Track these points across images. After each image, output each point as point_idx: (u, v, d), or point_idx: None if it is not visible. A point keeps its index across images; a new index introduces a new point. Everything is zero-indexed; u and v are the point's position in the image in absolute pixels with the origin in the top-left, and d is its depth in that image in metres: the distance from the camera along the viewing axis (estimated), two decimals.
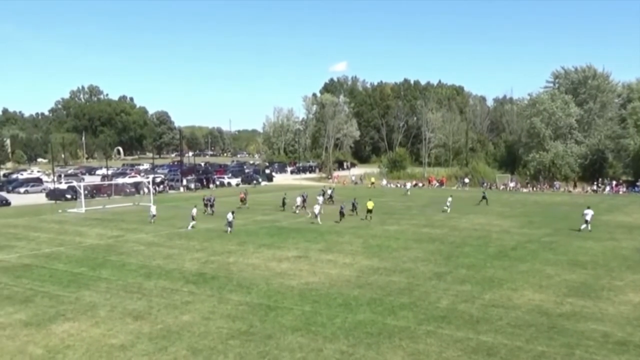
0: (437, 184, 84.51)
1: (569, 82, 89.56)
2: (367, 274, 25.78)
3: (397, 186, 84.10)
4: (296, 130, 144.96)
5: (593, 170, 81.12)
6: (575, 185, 76.51)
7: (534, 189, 76.32)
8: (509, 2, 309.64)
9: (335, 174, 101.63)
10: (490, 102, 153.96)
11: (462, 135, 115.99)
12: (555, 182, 77.97)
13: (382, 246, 32.86)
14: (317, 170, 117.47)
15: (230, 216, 38.41)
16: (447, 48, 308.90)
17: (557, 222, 43.44)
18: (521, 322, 18.75)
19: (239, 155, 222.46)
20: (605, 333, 17.59)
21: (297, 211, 48.11)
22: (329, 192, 58.54)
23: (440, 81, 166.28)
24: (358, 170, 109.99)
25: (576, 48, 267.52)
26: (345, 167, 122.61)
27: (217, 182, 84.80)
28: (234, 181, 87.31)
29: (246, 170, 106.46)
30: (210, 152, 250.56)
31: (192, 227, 40.19)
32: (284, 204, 51.79)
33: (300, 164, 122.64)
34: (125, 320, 19.24)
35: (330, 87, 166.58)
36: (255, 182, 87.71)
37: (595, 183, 75.58)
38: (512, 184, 78.44)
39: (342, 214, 42.79)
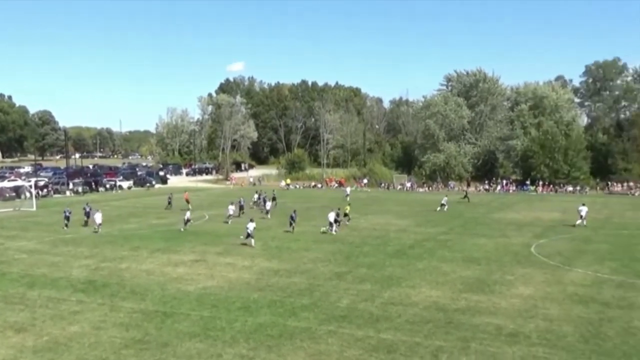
0: (336, 185, 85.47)
1: (461, 85, 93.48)
2: (267, 276, 25.35)
3: (296, 187, 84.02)
4: (191, 131, 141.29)
5: (485, 170, 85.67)
6: (469, 185, 79.87)
7: (430, 188, 79.18)
8: (406, 2, 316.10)
9: (233, 175, 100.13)
10: (386, 104, 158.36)
11: (360, 136, 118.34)
12: (450, 182, 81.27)
13: (282, 248, 32.53)
14: (214, 171, 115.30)
15: (251, 226, 32.93)
16: (343, 49, 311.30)
17: (452, 220, 45.21)
18: (419, 318, 19.11)
19: (130, 157, 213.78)
20: (498, 326, 18.29)
21: (230, 221, 42.80)
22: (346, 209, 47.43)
23: (337, 82, 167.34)
24: (256, 172, 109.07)
25: (469, 50, 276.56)
26: (243, 168, 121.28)
27: (107, 185, 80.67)
28: (125, 184, 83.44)
29: (139, 173, 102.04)
30: (99, 154, 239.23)
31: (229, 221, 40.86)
32: (169, 203, 53.01)
33: (197, 166, 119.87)
34: (6, 334, 17.73)
35: (227, 88, 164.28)
36: (148, 184, 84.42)
37: (487, 182, 79.62)
38: (408, 184, 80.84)
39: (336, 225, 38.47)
